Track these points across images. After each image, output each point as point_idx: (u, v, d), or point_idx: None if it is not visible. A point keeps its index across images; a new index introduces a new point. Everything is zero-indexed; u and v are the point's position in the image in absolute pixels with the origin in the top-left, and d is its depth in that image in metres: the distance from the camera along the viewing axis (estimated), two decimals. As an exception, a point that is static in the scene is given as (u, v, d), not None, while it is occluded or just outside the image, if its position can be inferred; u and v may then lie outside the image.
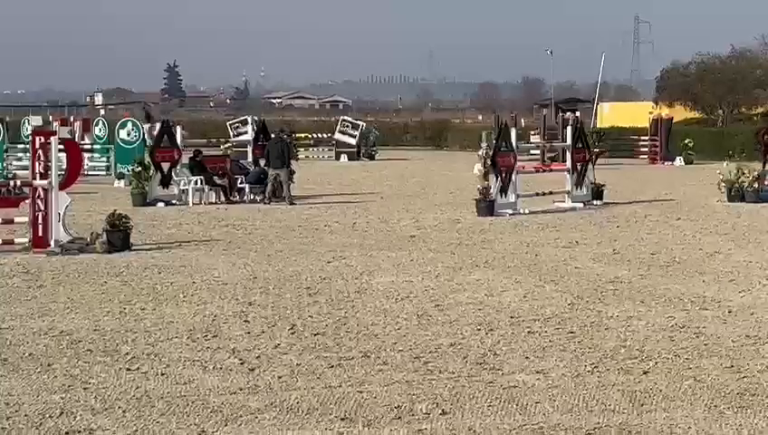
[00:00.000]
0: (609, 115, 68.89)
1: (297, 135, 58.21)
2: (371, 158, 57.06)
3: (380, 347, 11.45)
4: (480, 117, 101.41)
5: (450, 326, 12.54)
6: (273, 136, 32.57)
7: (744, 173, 29.65)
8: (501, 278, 16.16)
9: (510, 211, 26.02)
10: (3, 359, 10.65)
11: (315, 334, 12.07)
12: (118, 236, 19.02)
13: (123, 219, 19.22)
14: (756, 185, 29.33)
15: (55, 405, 9.05)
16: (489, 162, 26.16)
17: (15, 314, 13.10)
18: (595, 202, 28.82)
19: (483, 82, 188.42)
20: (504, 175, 26.42)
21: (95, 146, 43.98)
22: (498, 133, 27.53)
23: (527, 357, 10.94)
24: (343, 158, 55.75)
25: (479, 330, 12.31)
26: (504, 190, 26.33)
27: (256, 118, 38.75)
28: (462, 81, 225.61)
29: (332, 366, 10.56)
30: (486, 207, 25.77)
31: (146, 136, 33.25)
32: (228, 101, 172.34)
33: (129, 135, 38.54)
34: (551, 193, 28.51)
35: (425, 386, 9.80)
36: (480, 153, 26.58)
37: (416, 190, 34.56)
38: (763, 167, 33.98)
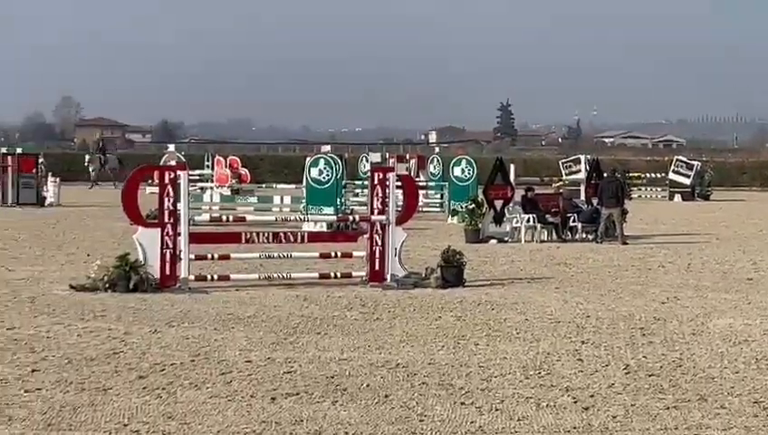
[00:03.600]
0: None
1: (630, 174, 57.59)
2: (706, 198, 55.80)
3: (718, 391, 11.10)
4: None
5: (793, 373, 12.03)
6: (606, 175, 32.31)
7: None
8: None
9: None
10: (342, 389, 10.95)
11: (650, 375, 11.84)
12: (452, 271, 19.26)
13: (457, 255, 19.45)
14: None
15: (392, 435, 9.22)
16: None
17: (354, 345, 13.47)
18: None
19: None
20: None
21: (430, 183, 44.83)
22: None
23: None
24: (677, 198, 54.75)
25: (824, 378, 11.74)
26: None
27: (589, 157, 38.48)
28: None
29: (668, 408, 10.31)
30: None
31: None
32: (560, 139, 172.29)
33: (463, 172, 39.06)
34: None
35: (765, 432, 9.42)
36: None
37: (753, 232, 33.47)
38: None
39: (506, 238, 29.44)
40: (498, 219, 29.86)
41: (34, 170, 44.00)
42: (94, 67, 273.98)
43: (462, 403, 10.42)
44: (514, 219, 29.95)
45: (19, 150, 48.64)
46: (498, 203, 29.96)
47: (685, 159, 59.80)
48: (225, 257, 19.45)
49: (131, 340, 13.45)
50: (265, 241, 19.58)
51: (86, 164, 62.17)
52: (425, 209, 39.17)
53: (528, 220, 29.88)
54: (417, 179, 37.49)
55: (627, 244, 28.64)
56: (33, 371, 11.47)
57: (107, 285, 17.58)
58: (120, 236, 27.15)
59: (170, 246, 18.10)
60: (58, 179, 45.81)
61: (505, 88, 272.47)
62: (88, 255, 23.14)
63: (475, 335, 14.29)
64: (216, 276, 18.73)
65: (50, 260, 22.46)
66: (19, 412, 9.68)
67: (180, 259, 18.12)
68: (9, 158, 44.75)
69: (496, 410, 10.18)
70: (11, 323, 14.44)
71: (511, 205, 30.35)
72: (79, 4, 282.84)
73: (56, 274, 19.93)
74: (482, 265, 22.81)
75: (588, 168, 35.25)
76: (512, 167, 31.97)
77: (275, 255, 19.92)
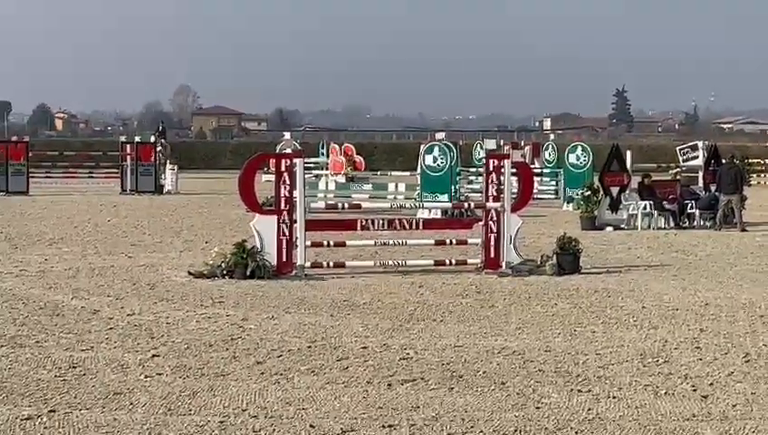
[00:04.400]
0: None
1: (749, 160, 56.63)
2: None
3: (842, 381, 10.88)
4: None
5: None
6: (724, 161, 31.81)
7: None
8: None
9: None
10: (458, 376, 10.95)
11: (771, 364, 11.66)
12: (567, 258, 19.15)
13: (573, 242, 19.33)
14: None
15: (509, 423, 9.20)
16: None
17: (469, 332, 13.46)
18: None
19: None
20: None
21: (545, 170, 44.59)
22: None
23: None
24: (798, 183, 53.66)
25: None
26: None
27: (707, 143, 37.89)
28: None
29: (790, 398, 10.14)
30: None
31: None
32: (677, 126, 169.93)
33: (578, 159, 38.76)
34: None
35: None
36: None
37: None
38: None
39: (622, 225, 29.16)
40: (614, 206, 29.60)
41: (153, 159, 44.68)
42: (210, 55, 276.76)
43: (578, 391, 10.36)
44: (631, 206, 29.66)
45: (137, 139, 49.44)
46: (614, 190, 29.71)
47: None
48: (341, 244, 19.57)
49: (249, 326, 13.61)
50: (380, 228, 19.66)
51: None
52: (540, 196, 38.93)
53: (645, 207, 29.56)
54: (532, 167, 37.27)
55: (746, 231, 28.17)
56: (153, 356, 11.68)
57: (225, 272, 17.82)
58: (236, 223, 27.50)
59: (287, 233, 18.27)
60: (176, 167, 46.48)
61: (621, 74, 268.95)
62: (206, 242, 23.48)
63: (592, 323, 14.19)
64: (331, 263, 18.86)
65: (168, 247, 22.82)
66: (140, 397, 9.87)
67: (296, 246, 18.28)
68: (128, 146, 45.55)
69: (613, 397, 10.11)
70: (131, 310, 14.71)
71: (627, 192, 30.07)
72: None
73: (175, 261, 20.24)
74: (598, 252, 22.63)
75: (705, 154, 34.72)
76: (628, 153, 31.64)
77: (390, 242, 19.99)
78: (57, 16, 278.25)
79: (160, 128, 57.45)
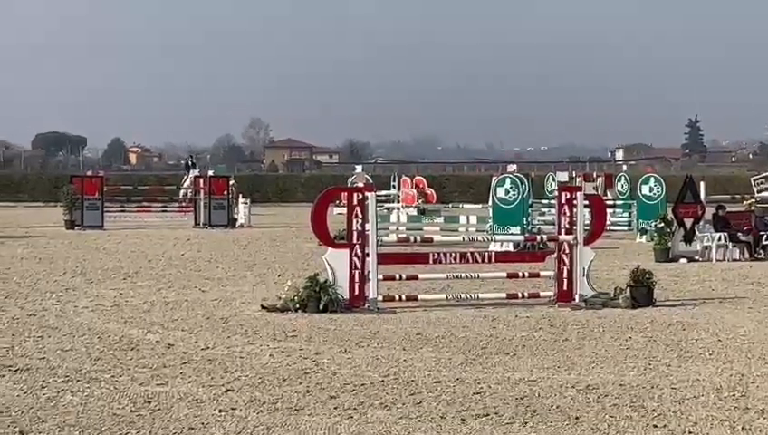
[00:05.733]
0: None
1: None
2: None
3: None
4: None
5: None
6: (801, 191, 31.46)
7: None
8: None
9: None
10: (532, 410, 10.89)
11: None
12: (641, 291, 19.00)
13: (647, 275, 19.17)
14: None
15: (583, 458, 9.14)
16: None
17: (543, 366, 13.39)
18: None
19: None
20: None
21: (617, 201, 44.32)
22: None
23: None
24: None
25: None
26: None
27: (782, 172, 37.47)
28: None
29: None
30: None
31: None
32: (751, 155, 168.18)
33: (651, 191, 38.48)
34: None
35: None
36: None
37: None
38: None
39: (697, 257, 28.90)
40: (688, 238, 29.34)
41: (225, 192, 45.03)
42: (282, 87, 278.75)
43: (654, 426, 10.26)
44: (705, 238, 29.38)
45: (210, 173, 49.89)
46: (688, 221, 29.46)
47: None
48: (413, 278, 19.57)
49: (322, 360, 13.64)
50: (452, 261, 19.63)
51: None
52: (612, 228, 38.67)
53: (719, 239, 29.27)
54: (604, 198, 37.08)
55: (823, 262, 27.80)
56: (227, 390, 11.74)
57: (297, 306, 17.89)
58: (309, 256, 27.62)
59: (359, 266, 18.31)
60: (248, 201, 46.82)
61: (693, 103, 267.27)
62: (278, 275, 23.60)
63: (666, 356, 14.06)
64: (403, 297, 18.88)
65: (241, 281, 22.97)
66: (215, 432, 9.92)
67: (369, 280, 18.32)
68: (201, 180, 45.96)
69: (690, 432, 10.00)
70: (205, 344, 14.81)
71: (701, 223, 29.80)
72: (268, 26, 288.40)
73: (248, 294, 20.36)
74: (672, 284, 22.43)
75: (780, 184, 34.42)
76: (702, 184, 31.38)
77: (462, 275, 19.96)
78: (131, 54, 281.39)
79: (190, 162, 57.51)
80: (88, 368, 12.99)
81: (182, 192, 50.71)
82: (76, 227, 41.55)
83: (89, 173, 49.05)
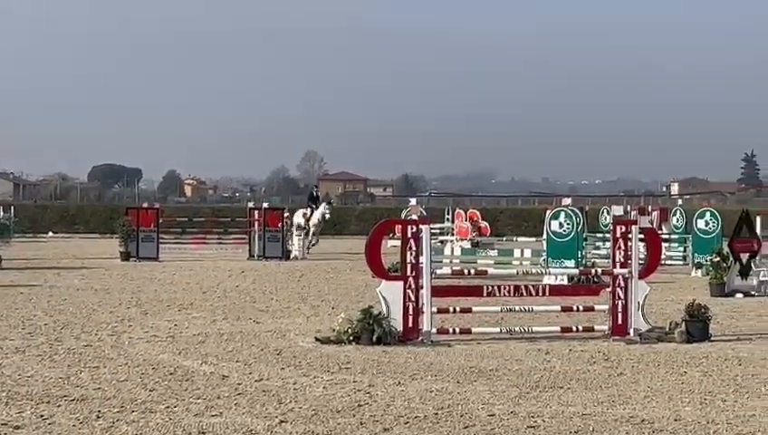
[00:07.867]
0: None
1: None
2: None
3: None
4: None
5: None
6: None
7: None
8: None
9: None
10: (586, 444, 10.85)
11: None
12: (697, 326, 18.86)
13: (702, 309, 19.03)
14: None
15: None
16: None
17: (597, 400, 13.32)
18: None
19: None
20: None
21: (672, 235, 44.07)
22: None
23: None
24: None
25: None
26: None
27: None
28: None
29: None
30: None
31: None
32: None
33: (707, 225, 38.26)
34: None
35: None
36: None
37: None
38: None
39: (753, 292, 28.63)
40: (744, 273, 29.08)
41: (280, 224, 45.20)
42: (337, 120, 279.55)
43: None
44: (761, 273, 29.12)
45: (265, 205, 50.10)
46: (744, 256, 29.21)
47: None
48: (467, 310, 19.54)
49: (376, 392, 13.65)
50: (506, 294, 19.59)
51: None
52: (668, 262, 38.47)
53: (774, 274, 29.00)
54: (659, 232, 36.85)
55: None
56: (281, 422, 11.77)
57: (351, 338, 17.91)
58: (363, 289, 27.66)
59: (413, 299, 18.32)
60: (303, 233, 46.96)
61: (750, 137, 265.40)
62: (332, 307, 23.65)
63: (722, 391, 13.94)
64: (457, 329, 18.86)
65: (295, 313, 23.04)
66: (269, 462, 9.95)
67: (423, 312, 18.32)
68: (256, 212, 46.19)
69: (747, 469, 9.91)
70: (259, 375, 14.86)
71: (758, 258, 29.54)
72: (326, 61, 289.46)
73: (302, 326, 20.42)
74: (728, 319, 22.24)
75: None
76: (758, 219, 31.11)
77: (516, 308, 19.91)
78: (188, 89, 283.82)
79: (315, 192, 56.35)
80: (143, 398, 13.07)
81: (312, 229, 48.20)
82: (131, 259, 41.89)
83: (144, 205, 49.39)
